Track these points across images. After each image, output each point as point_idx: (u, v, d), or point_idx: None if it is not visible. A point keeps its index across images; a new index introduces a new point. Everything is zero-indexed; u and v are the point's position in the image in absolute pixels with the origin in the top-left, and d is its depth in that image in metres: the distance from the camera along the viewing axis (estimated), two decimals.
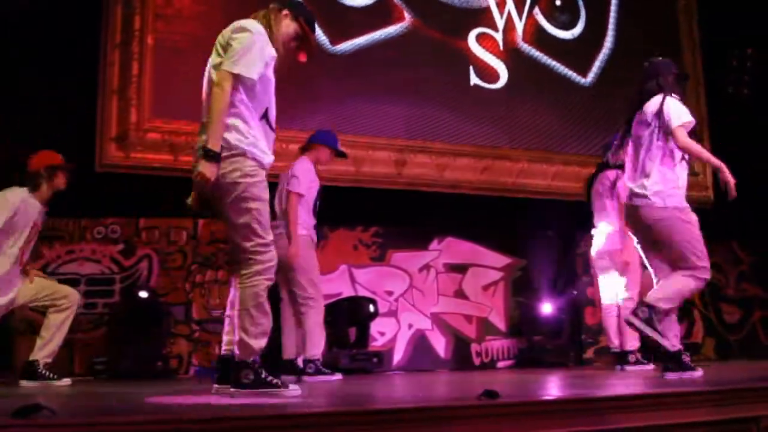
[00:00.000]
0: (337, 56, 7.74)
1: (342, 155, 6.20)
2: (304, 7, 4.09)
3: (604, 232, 6.51)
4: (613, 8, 9.14)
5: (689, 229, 4.67)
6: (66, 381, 5.32)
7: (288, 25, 3.99)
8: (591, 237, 6.68)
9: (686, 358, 4.74)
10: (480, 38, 8.38)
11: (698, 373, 4.65)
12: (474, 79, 8.27)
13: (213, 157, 3.60)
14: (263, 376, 3.76)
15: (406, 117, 7.87)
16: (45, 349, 5.37)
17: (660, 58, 5.03)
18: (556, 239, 8.15)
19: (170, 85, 7.00)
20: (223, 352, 4.10)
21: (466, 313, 7.88)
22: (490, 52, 8.39)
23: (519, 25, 8.59)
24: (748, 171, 8.26)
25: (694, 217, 4.71)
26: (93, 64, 6.93)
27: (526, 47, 8.58)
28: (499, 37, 8.46)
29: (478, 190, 8.07)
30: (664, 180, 4.69)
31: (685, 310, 8.47)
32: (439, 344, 7.70)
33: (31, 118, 5.60)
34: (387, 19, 8.02)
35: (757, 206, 7.48)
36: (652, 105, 4.78)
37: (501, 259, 8.10)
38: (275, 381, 3.78)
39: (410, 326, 7.62)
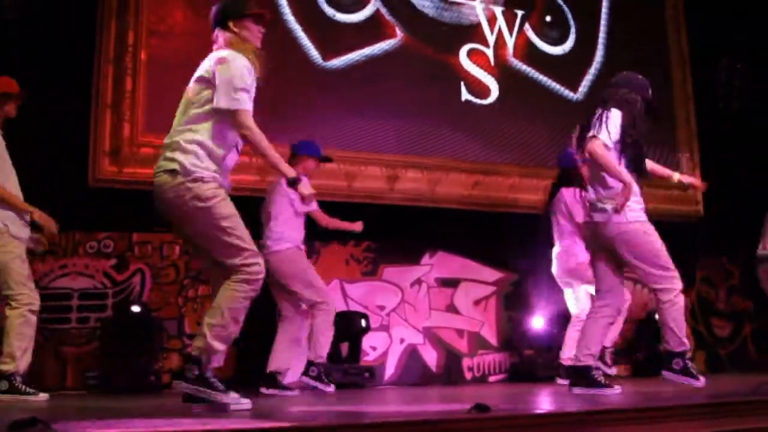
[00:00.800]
0: (329, 72, 7.77)
1: (327, 160, 6.31)
2: (233, 3, 4.15)
3: (565, 248, 6.55)
4: (602, 24, 9.20)
5: (651, 242, 4.69)
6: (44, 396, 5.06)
7: (243, 28, 4.08)
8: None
9: (598, 374, 4.78)
10: (471, 54, 8.43)
11: (613, 390, 4.69)
12: (465, 95, 8.32)
13: (294, 182, 4.01)
14: (207, 375, 3.77)
15: (398, 132, 7.91)
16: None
17: (639, 76, 4.99)
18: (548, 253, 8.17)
19: (163, 101, 6.99)
20: None
21: (457, 328, 7.89)
22: (482, 68, 8.43)
23: (510, 41, 8.64)
24: (742, 176, 8.34)
25: (652, 228, 4.73)
26: (87, 78, 6.95)
27: (516, 63, 8.64)
28: (490, 53, 8.51)
29: (470, 205, 8.10)
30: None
31: None
32: (431, 359, 7.71)
33: (25, 132, 5.60)
34: (379, 36, 8.07)
35: (747, 219, 7.50)
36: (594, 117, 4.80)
37: (492, 274, 8.12)
38: (217, 384, 3.78)
39: (402, 341, 7.63)
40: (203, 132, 3.87)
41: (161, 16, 7.26)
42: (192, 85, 4.03)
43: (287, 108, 7.13)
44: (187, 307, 6.90)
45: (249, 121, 3.88)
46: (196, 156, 3.81)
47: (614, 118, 4.69)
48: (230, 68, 3.88)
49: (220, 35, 4.11)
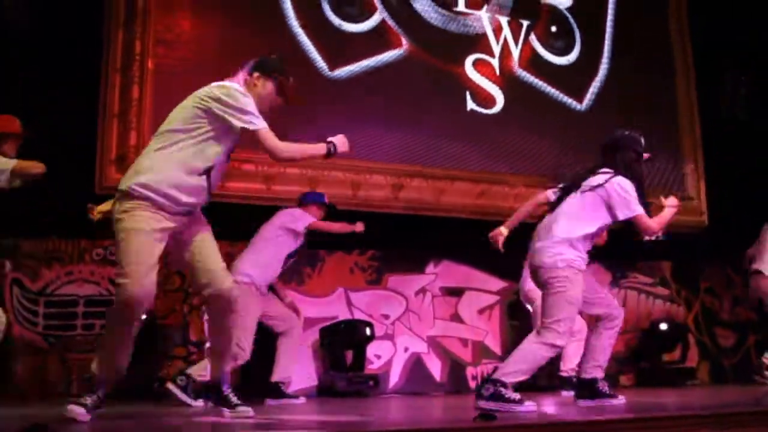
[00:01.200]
0: (335, 81, 7.80)
1: (332, 208, 6.32)
2: (274, 62, 4.24)
3: None
4: (608, 34, 9.22)
5: (564, 287, 4.50)
6: None
7: (264, 86, 4.14)
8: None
9: (603, 385, 4.75)
10: (476, 64, 8.45)
11: (618, 400, 4.65)
12: (470, 105, 8.34)
13: (333, 150, 4.15)
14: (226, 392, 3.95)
15: (404, 141, 7.92)
16: None
17: (626, 132, 4.96)
18: None
19: (170, 109, 7.00)
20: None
21: (462, 337, 7.90)
22: (487, 78, 8.46)
23: (515, 51, 8.67)
24: (747, 185, 8.33)
25: (577, 279, 4.54)
26: (94, 87, 6.99)
27: (522, 73, 8.65)
28: (495, 63, 8.54)
29: (475, 214, 8.09)
30: (571, 245, 4.59)
31: (680, 334, 8.50)
32: (435, 367, 7.71)
33: (32, 140, 5.63)
34: (385, 45, 8.10)
35: (752, 229, 7.51)
36: (599, 178, 4.72)
37: (497, 283, 8.13)
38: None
39: (406, 349, 7.64)
40: (171, 153, 3.89)
41: (168, 25, 7.31)
42: (178, 107, 4.05)
43: (293, 117, 7.15)
44: (192, 315, 6.91)
45: (271, 140, 3.94)
46: (147, 177, 3.83)
47: (627, 185, 4.64)
48: (237, 96, 3.93)
49: (242, 75, 4.14)
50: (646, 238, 4.79)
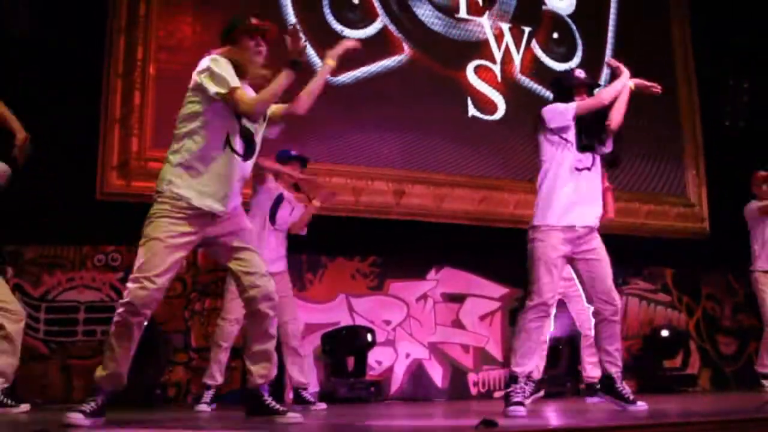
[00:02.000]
0: (336, 87, 7.80)
1: (304, 161, 6.15)
2: (231, 22, 4.10)
3: None
4: (609, 40, 9.25)
5: (533, 247, 4.60)
6: (25, 407, 5.04)
7: (243, 46, 4.02)
8: None
9: (622, 387, 4.70)
10: (478, 70, 8.47)
11: (636, 406, 4.63)
12: (472, 111, 8.35)
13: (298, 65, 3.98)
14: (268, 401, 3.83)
15: (405, 147, 7.94)
16: None
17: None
18: None
19: (172, 115, 6.97)
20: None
21: (463, 343, 7.90)
22: (488, 84, 8.47)
23: (517, 58, 8.68)
24: (749, 191, 8.34)
25: (547, 238, 4.58)
26: (96, 93, 6.99)
27: (523, 79, 8.67)
28: (497, 69, 8.55)
29: (476, 220, 8.11)
30: (542, 197, 4.66)
31: (681, 341, 8.49)
32: (437, 374, 7.71)
33: (33, 145, 5.64)
34: (386, 51, 8.12)
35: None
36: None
37: (498, 289, 8.13)
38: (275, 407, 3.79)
39: (408, 356, 7.64)
40: (186, 147, 3.86)
41: (170, 30, 7.33)
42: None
43: (295, 123, 7.14)
44: (194, 321, 6.92)
45: (245, 97, 3.81)
46: (173, 174, 3.80)
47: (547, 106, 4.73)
48: (208, 64, 3.82)
49: (217, 52, 3.99)
50: (612, 124, 4.82)
